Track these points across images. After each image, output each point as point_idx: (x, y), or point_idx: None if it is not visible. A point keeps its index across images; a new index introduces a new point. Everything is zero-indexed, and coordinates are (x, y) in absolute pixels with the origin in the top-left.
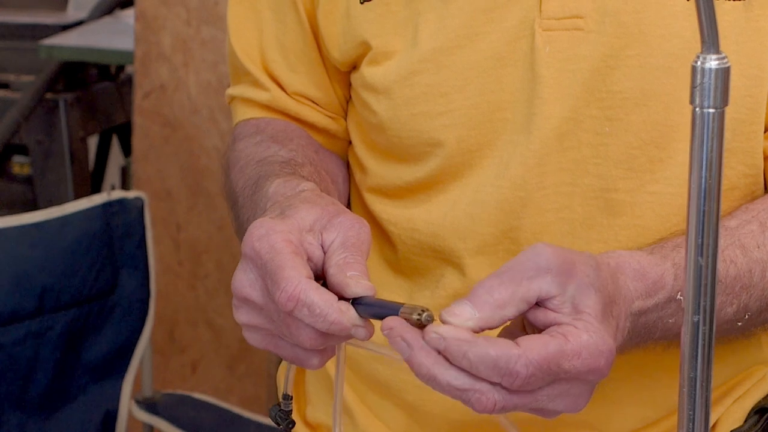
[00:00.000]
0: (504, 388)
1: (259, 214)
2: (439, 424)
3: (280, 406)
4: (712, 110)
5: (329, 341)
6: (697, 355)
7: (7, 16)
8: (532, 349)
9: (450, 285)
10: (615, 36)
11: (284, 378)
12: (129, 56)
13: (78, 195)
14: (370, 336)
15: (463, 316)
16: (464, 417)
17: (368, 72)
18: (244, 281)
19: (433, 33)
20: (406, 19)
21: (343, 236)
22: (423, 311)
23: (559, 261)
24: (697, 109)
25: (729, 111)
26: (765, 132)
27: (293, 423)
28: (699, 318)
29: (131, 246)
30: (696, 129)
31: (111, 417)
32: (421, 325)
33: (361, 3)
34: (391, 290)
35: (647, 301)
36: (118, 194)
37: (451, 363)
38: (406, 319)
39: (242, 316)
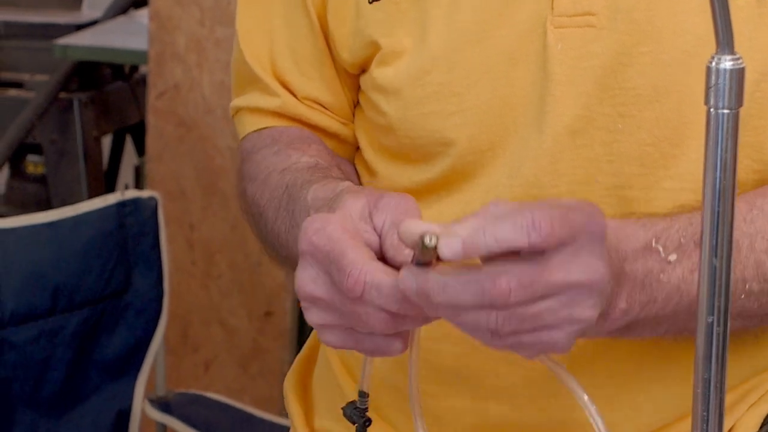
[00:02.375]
0: (495, 308)
1: (302, 221)
2: (453, 429)
3: (355, 403)
4: (726, 111)
5: (402, 323)
6: (711, 356)
7: (21, 15)
8: (512, 266)
9: None
10: (627, 33)
11: (361, 373)
12: (143, 56)
13: (92, 194)
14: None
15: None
16: (478, 420)
17: (378, 73)
18: (306, 279)
19: (443, 32)
20: (415, 18)
21: (392, 215)
22: (429, 237)
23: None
24: (712, 109)
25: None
26: None
27: (369, 421)
28: (713, 319)
29: (145, 245)
30: (710, 130)
31: (124, 416)
32: (434, 250)
33: (370, 3)
34: None
35: (621, 245)
36: (131, 194)
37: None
38: (423, 250)
39: (313, 316)
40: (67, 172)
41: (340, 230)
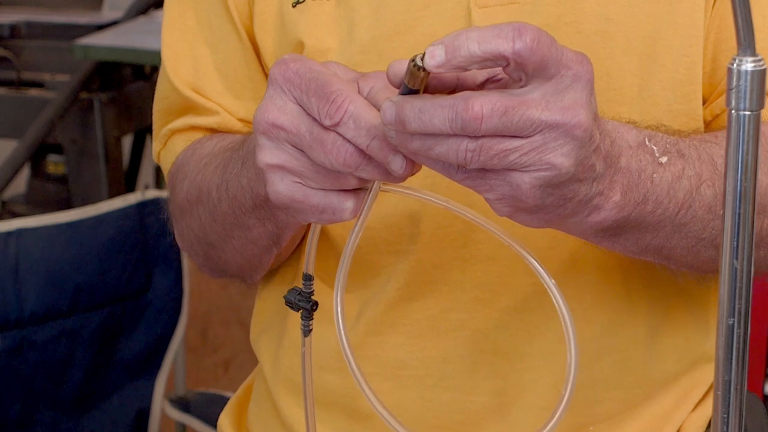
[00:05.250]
0: (468, 137)
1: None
2: None
3: (298, 290)
4: (748, 113)
5: (365, 166)
6: (732, 359)
7: (42, 15)
8: (489, 92)
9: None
10: (551, 5)
11: (305, 258)
12: None
13: (112, 194)
14: (405, 170)
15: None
16: (417, 425)
17: None
18: (271, 106)
19: (370, 24)
20: (340, 16)
21: (380, 82)
22: (418, 57)
23: None
24: (733, 111)
25: (668, 71)
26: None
27: (316, 304)
28: (734, 321)
29: (165, 245)
30: (732, 131)
31: (144, 415)
32: (423, 69)
33: (293, 6)
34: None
35: (617, 141)
36: (152, 193)
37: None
38: (412, 72)
39: (267, 155)
40: (87, 172)
41: (323, 66)
